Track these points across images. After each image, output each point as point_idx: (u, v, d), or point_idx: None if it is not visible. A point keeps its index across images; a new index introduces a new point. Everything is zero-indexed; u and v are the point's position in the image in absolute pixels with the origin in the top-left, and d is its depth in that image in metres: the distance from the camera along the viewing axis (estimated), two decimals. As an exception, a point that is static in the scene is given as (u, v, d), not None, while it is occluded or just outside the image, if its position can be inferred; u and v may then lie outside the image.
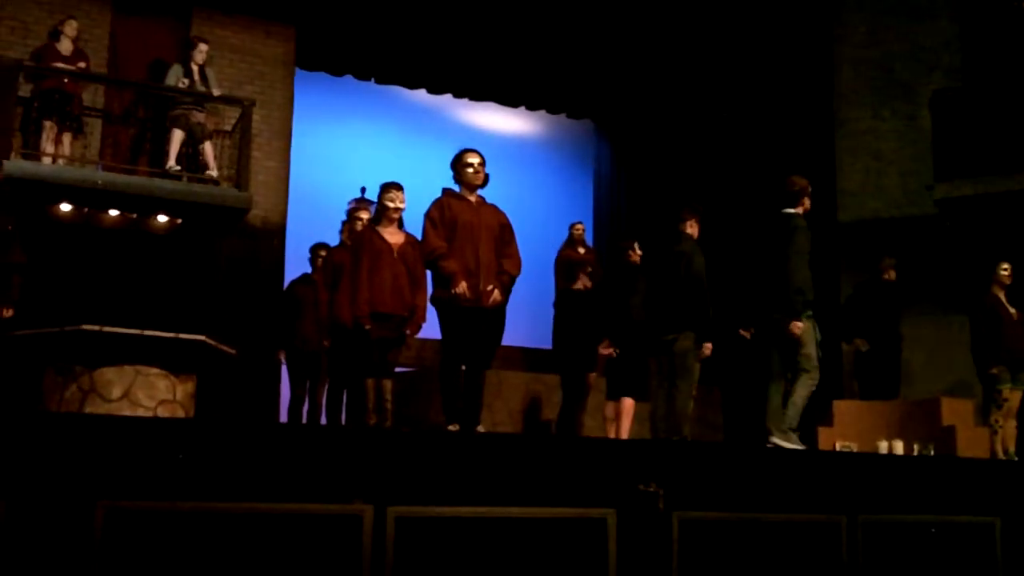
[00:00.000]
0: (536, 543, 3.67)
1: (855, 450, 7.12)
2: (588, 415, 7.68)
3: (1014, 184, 9.33)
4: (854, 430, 7.59)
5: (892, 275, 8.51)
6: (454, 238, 5.69)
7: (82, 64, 9.09)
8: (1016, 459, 7.60)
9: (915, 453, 7.17)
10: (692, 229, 6.77)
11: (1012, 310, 7.93)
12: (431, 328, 6.19)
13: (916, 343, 8.55)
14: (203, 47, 9.41)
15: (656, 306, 6.64)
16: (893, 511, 4.58)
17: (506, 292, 5.81)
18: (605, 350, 7.33)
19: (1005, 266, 7.99)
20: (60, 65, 8.92)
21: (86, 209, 9.02)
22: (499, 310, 5.80)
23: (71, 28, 9.10)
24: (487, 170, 5.88)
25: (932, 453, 7.17)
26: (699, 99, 11.64)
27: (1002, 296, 7.95)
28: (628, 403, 7.20)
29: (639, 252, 7.55)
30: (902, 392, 8.67)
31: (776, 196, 6.24)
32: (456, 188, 5.90)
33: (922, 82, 10.47)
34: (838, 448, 7.28)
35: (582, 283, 7.74)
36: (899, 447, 7.22)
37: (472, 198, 5.85)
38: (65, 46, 9.05)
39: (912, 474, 4.97)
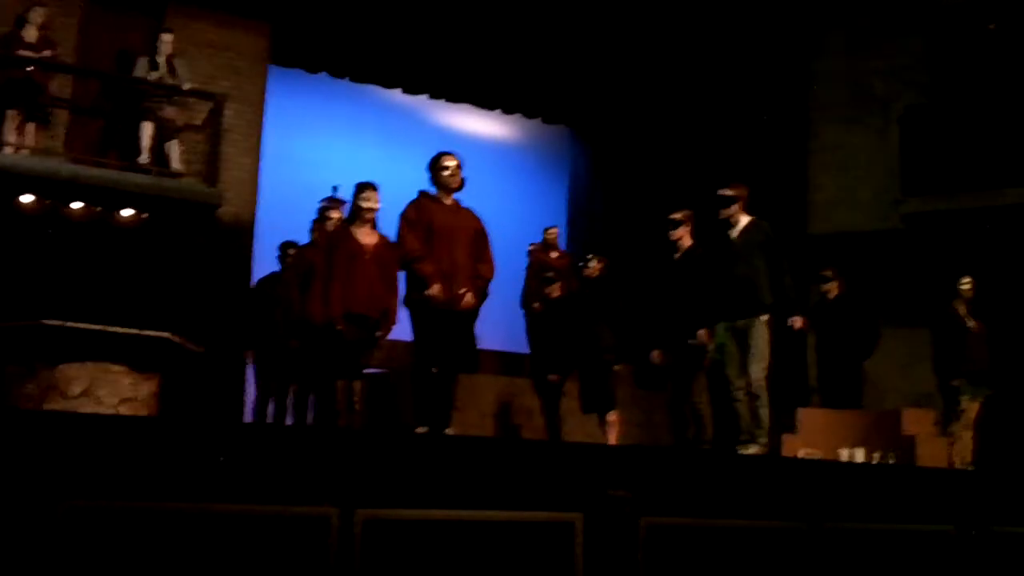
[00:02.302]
0: (503, 546, 3.66)
1: (818, 458, 7.19)
2: (582, 423, 7.78)
3: (980, 200, 9.50)
4: (818, 438, 7.66)
5: (833, 290, 8.53)
6: (430, 241, 5.69)
7: (49, 53, 8.94)
8: (972, 469, 7.72)
9: (875, 462, 7.25)
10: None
11: (973, 323, 8.07)
12: (403, 330, 6.17)
13: (880, 354, 8.64)
14: (167, 38, 9.28)
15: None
16: (854, 519, 4.63)
17: (480, 296, 5.81)
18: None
19: (966, 280, 8.14)
20: (26, 53, 8.77)
21: (50, 201, 8.88)
22: (473, 314, 5.80)
23: (39, 16, 8.94)
24: (463, 173, 5.88)
25: (892, 462, 7.25)
26: (675, 107, 11.71)
27: (964, 310, 8.09)
28: (615, 416, 7.42)
29: (598, 266, 7.58)
30: (865, 402, 8.77)
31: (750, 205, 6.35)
32: (432, 191, 5.89)
33: (894, 98, 10.62)
34: (802, 456, 7.34)
35: (553, 291, 7.82)
36: (860, 455, 7.30)
37: (448, 201, 5.84)
38: (32, 34, 8.88)
39: (872, 482, 5.04)
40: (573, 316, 7.64)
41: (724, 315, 6.16)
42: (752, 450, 5.95)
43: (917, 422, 7.84)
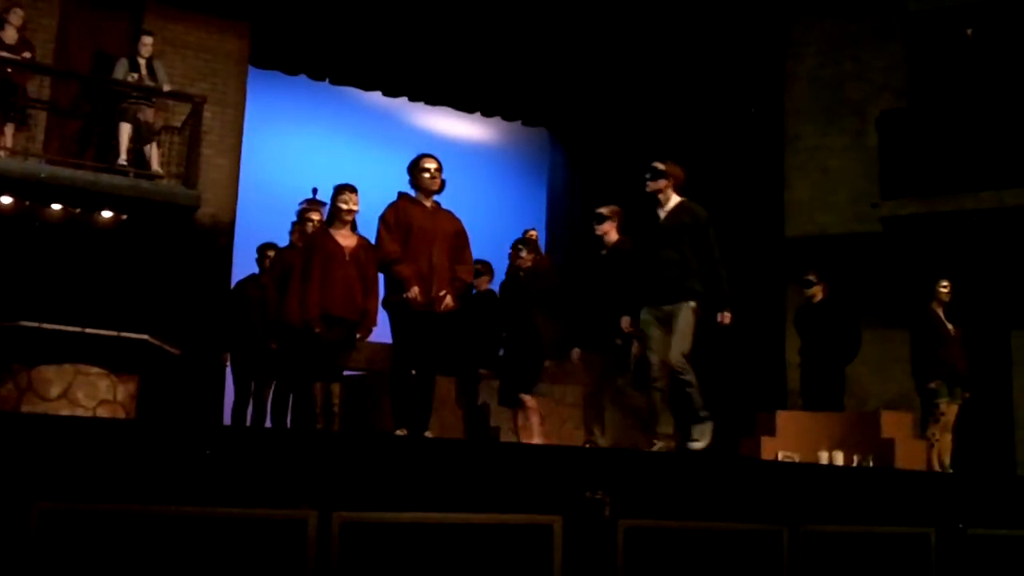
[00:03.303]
0: (482, 549, 3.66)
1: (797, 460, 7.22)
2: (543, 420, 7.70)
3: (958, 204, 9.57)
4: (796, 441, 7.70)
5: (818, 294, 8.56)
6: (408, 243, 5.68)
7: (27, 54, 8.88)
8: (951, 471, 7.78)
9: (855, 464, 7.30)
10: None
11: (950, 326, 8.13)
12: (382, 332, 6.16)
13: (858, 356, 8.70)
14: (147, 39, 9.25)
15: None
16: (833, 522, 4.66)
17: (459, 298, 5.81)
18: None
19: (944, 283, 8.19)
20: (4, 55, 8.71)
21: (28, 202, 8.81)
22: (452, 316, 5.80)
23: (17, 17, 8.89)
24: (443, 176, 5.88)
25: (871, 464, 7.30)
26: (652, 110, 11.75)
27: (941, 312, 8.15)
28: (531, 400, 7.08)
29: (529, 256, 7.41)
30: (844, 404, 8.82)
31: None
32: (412, 193, 5.89)
33: (871, 102, 10.70)
34: (780, 458, 7.37)
35: (481, 283, 7.72)
36: (839, 458, 7.34)
37: (427, 203, 5.84)
38: (9, 35, 8.83)
39: (851, 485, 5.06)
40: (498, 309, 7.47)
41: (648, 300, 5.84)
42: (697, 445, 5.73)
43: (895, 425, 7.89)
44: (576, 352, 6.73)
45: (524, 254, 7.36)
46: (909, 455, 7.62)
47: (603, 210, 6.67)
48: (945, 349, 8.01)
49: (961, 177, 9.60)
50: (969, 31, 10.43)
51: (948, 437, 8.00)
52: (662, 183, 5.97)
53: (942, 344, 8.02)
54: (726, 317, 5.80)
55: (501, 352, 7.44)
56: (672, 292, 5.73)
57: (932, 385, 7.97)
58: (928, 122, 10.08)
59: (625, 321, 6.09)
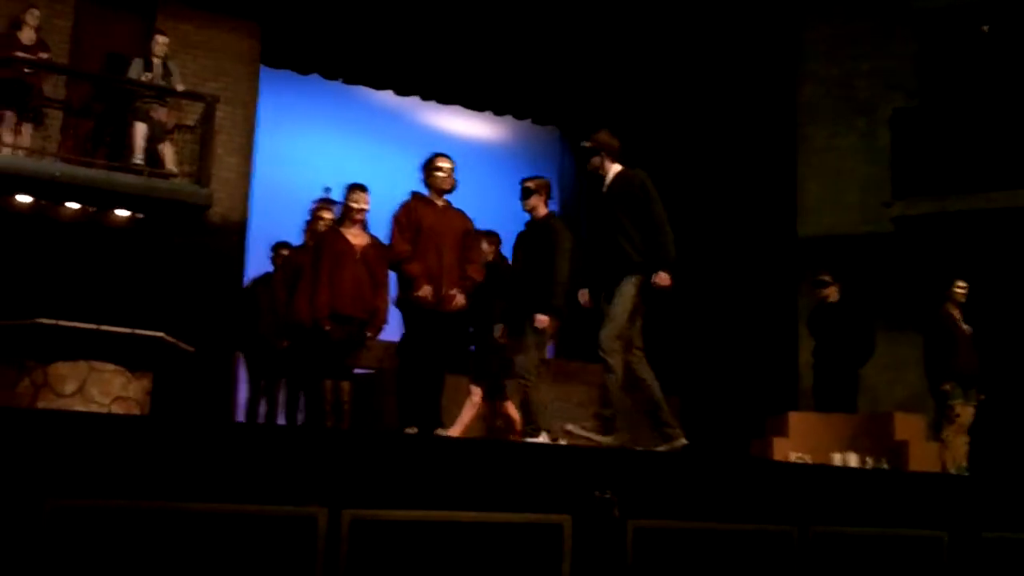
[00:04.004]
0: (491, 548, 3.67)
1: (809, 462, 7.20)
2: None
3: (970, 203, 9.52)
4: (809, 442, 7.67)
5: (833, 295, 8.52)
6: (418, 242, 5.70)
7: (44, 55, 8.95)
8: (967, 474, 7.73)
9: (868, 466, 7.26)
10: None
11: (965, 327, 8.07)
12: (393, 331, 6.17)
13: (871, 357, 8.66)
14: (161, 39, 9.30)
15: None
16: (845, 523, 4.64)
17: (469, 297, 5.82)
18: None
19: (960, 284, 8.13)
20: (21, 55, 8.78)
21: (44, 201, 8.88)
22: (463, 314, 5.81)
23: (33, 17, 8.96)
24: (455, 176, 5.90)
25: (885, 467, 7.26)
26: (663, 110, 11.73)
27: (956, 314, 8.09)
28: (474, 391, 6.79)
29: (490, 248, 7.10)
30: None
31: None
32: (424, 191, 5.91)
33: (882, 101, 10.65)
34: (792, 460, 7.35)
35: None
36: (852, 460, 7.31)
37: (439, 202, 5.86)
38: (27, 35, 8.90)
39: (864, 487, 5.04)
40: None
41: (600, 277, 5.55)
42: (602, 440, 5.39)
43: (909, 427, 7.86)
44: (500, 328, 6.25)
45: (485, 246, 7.09)
46: (922, 457, 7.59)
47: (529, 183, 6.23)
48: (960, 350, 7.95)
49: (973, 176, 9.54)
50: (985, 28, 10.36)
51: (963, 439, 7.94)
52: (596, 160, 5.65)
53: (957, 345, 7.96)
54: (661, 278, 5.35)
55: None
56: (614, 268, 5.42)
57: (946, 387, 7.91)
58: (940, 121, 10.03)
59: (583, 295, 5.78)
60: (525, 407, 5.82)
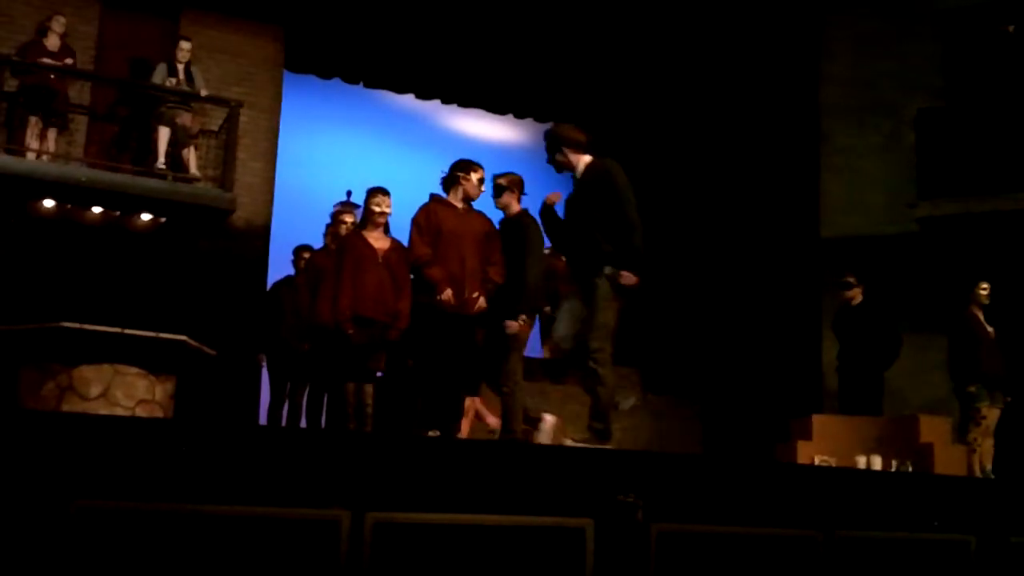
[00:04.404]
0: (513, 551, 3.66)
1: (833, 465, 7.15)
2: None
3: (995, 204, 9.43)
4: (833, 445, 7.61)
5: (857, 296, 8.47)
6: (439, 245, 5.70)
7: (69, 60, 9.05)
8: (993, 477, 7.65)
9: (893, 469, 7.20)
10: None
11: (990, 329, 8.00)
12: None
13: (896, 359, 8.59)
14: (185, 45, 9.38)
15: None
16: (870, 527, 4.60)
17: (491, 300, 5.81)
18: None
19: (984, 285, 8.06)
20: (47, 61, 8.88)
21: (69, 206, 8.96)
22: (484, 318, 5.80)
23: (59, 24, 9.06)
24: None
25: (910, 470, 7.20)
26: (684, 111, 11.70)
27: (980, 315, 8.02)
28: (469, 402, 6.52)
29: None
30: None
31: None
32: (443, 194, 5.92)
33: (906, 101, 10.56)
34: (816, 463, 7.30)
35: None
36: (877, 463, 7.25)
37: (459, 205, 5.87)
38: (52, 42, 9.00)
39: (889, 491, 4.99)
40: None
41: (572, 272, 5.36)
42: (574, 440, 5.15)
43: (934, 429, 7.79)
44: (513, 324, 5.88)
45: None
46: (948, 460, 7.51)
47: (501, 180, 6.04)
48: (985, 352, 7.89)
49: (999, 177, 9.45)
50: (1010, 28, 10.25)
51: (989, 442, 7.87)
52: (562, 158, 5.43)
53: (981, 347, 7.90)
54: (625, 277, 5.10)
55: None
56: (584, 264, 5.21)
57: (971, 389, 7.85)
58: (965, 121, 9.94)
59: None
60: (509, 411, 5.72)
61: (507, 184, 6.05)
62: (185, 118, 9.29)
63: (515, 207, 6.06)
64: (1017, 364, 8.28)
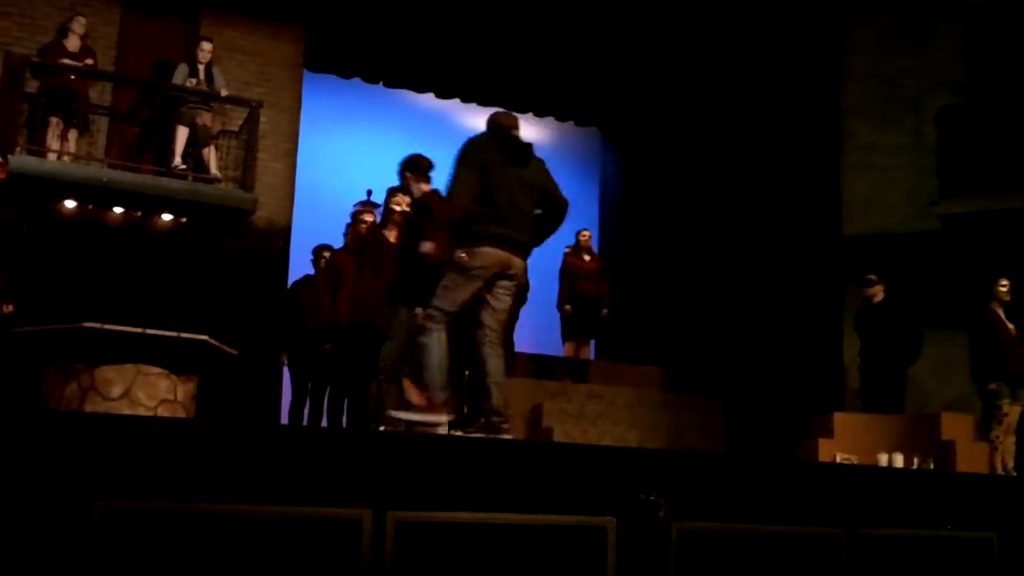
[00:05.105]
0: (535, 550, 3.66)
1: (855, 463, 7.11)
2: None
3: (1017, 201, 9.35)
4: (855, 443, 7.59)
5: (879, 294, 8.43)
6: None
7: (89, 61, 9.10)
8: (1015, 475, 7.59)
9: (915, 467, 7.17)
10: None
11: (1011, 326, 7.95)
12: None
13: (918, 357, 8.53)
14: (206, 46, 9.41)
15: None
16: (892, 525, 4.57)
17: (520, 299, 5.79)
18: None
19: (1004, 283, 8.01)
20: (67, 62, 8.94)
21: (90, 206, 9.02)
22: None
23: (79, 25, 9.12)
24: None
25: (932, 467, 7.16)
26: (705, 109, 11.65)
27: (1001, 312, 7.97)
28: None
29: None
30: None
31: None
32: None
33: (928, 98, 10.49)
34: (838, 461, 7.27)
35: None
36: (899, 460, 7.22)
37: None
38: (73, 43, 9.06)
39: (911, 488, 4.96)
40: None
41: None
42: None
43: (956, 427, 7.75)
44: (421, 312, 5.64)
45: (427, 246, 6.45)
46: (969, 458, 7.48)
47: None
48: (1006, 349, 7.84)
49: (1021, 174, 9.36)
50: None
51: (1011, 439, 7.82)
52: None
53: (1003, 344, 7.85)
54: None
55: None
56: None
57: (992, 386, 7.80)
58: (988, 118, 9.85)
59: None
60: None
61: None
62: (205, 118, 9.34)
63: (425, 188, 5.96)
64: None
